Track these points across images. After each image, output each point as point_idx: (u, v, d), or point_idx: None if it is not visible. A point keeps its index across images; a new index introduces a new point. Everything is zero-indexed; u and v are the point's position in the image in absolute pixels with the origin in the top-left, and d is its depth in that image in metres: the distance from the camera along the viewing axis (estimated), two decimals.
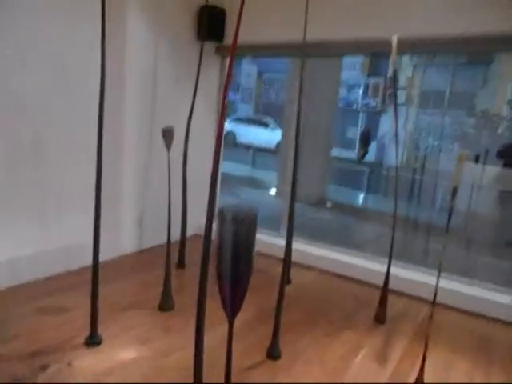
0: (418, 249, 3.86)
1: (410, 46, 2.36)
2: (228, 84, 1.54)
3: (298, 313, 2.22)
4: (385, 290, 2.20)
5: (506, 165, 4.43)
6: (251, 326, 2.02)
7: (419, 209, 5.54)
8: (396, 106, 2.05)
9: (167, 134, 2.03)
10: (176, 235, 2.68)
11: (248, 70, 13.88)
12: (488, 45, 2.27)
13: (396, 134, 2.07)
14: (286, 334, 1.88)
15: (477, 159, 4.44)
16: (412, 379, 1.68)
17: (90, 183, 1.80)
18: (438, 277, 1.53)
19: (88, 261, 1.81)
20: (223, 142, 4.06)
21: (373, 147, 10.88)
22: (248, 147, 10.18)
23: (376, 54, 4.13)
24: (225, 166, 4.31)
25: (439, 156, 7.75)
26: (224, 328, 1.13)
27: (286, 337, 1.90)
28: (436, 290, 1.55)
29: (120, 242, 2.84)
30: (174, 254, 2.66)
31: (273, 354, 1.78)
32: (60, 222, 2.54)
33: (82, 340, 1.76)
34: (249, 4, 1.36)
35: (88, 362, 1.64)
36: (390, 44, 1.92)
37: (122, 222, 2.84)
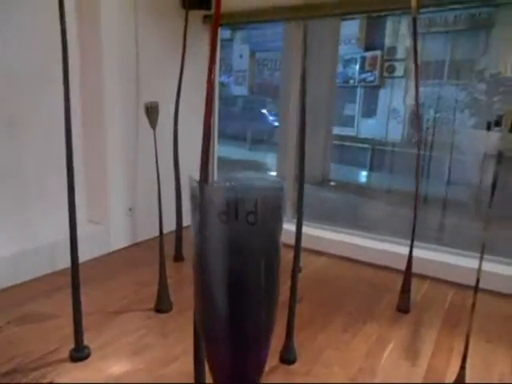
0: (432, 226, 3.62)
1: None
2: (214, 52, 1.27)
3: (312, 305, 1.98)
4: (408, 274, 1.96)
5: None
6: None
7: (427, 184, 5.30)
8: (417, 60, 1.76)
9: (151, 110, 1.75)
10: (172, 226, 2.43)
11: (240, 50, 13.43)
12: None
13: (417, 99, 1.80)
14: (299, 331, 1.65)
15: (488, 126, 4.16)
16: (450, 378, 1.46)
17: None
18: (481, 258, 1.29)
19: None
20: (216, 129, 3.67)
21: (372, 123, 10.58)
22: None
23: (379, 12, 3.84)
24: (221, 151, 4.06)
25: (441, 128, 7.46)
26: None
27: (300, 334, 1.67)
28: (479, 271, 1.30)
29: (111, 235, 2.59)
30: (170, 247, 2.43)
31: (287, 357, 1.54)
32: (42, 217, 2.29)
33: (66, 353, 1.53)
34: None
35: (73, 379, 1.41)
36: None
37: (112, 213, 2.58)
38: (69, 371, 1.45)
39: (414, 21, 1.64)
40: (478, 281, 1.31)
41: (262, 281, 0.44)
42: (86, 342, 1.56)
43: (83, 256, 2.33)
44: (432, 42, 8.91)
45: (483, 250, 1.29)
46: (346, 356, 1.58)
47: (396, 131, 9.62)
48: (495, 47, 8.06)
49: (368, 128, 10.59)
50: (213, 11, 2.76)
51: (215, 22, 1.22)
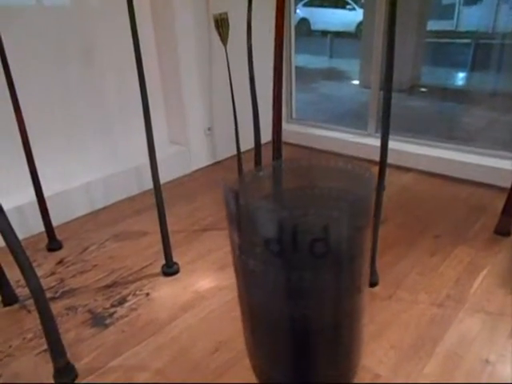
0: None
1: None
2: None
3: (396, 226, 1.89)
4: None
5: None
6: None
7: None
8: None
9: (221, 23, 1.62)
10: (251, 143, 2.41)
11: None
12: None
13: None
14: (381, 254, 1.59)
15: None
16: None
17: (152, 95, 1.52)
18: None
19: (162, 179, 1.60)
20: (295, 31, 3.38)
21: (477, 12, 9.02)
22: (324, 34, 9.07)
23: None
24: (299, 59, 3.80)
25: None
26: None
27: (383, 257, 1.61)
28: None
29: (192, 155, 2.65)
30: (250, 164, 2.42)
31: (369, 280, 1.51)
32: (128, 140, 2.40)
33: (158, 268, 1.67)
34: None
35: (166, 293, 1.54)
36: None
37: (191, 134, 2.61)
38: (161, 285, 1.58)
39: None
40: None
41: (339, 334, 0.28)
42: (175, 259, 1.68)
43: (167, 176, 2.45)
44: None
45: None
46: (432, 281, 1.51)
47: (508, 19, 8.10)
48: None
49: (471, 18, 9.06)
50: None
51: None
